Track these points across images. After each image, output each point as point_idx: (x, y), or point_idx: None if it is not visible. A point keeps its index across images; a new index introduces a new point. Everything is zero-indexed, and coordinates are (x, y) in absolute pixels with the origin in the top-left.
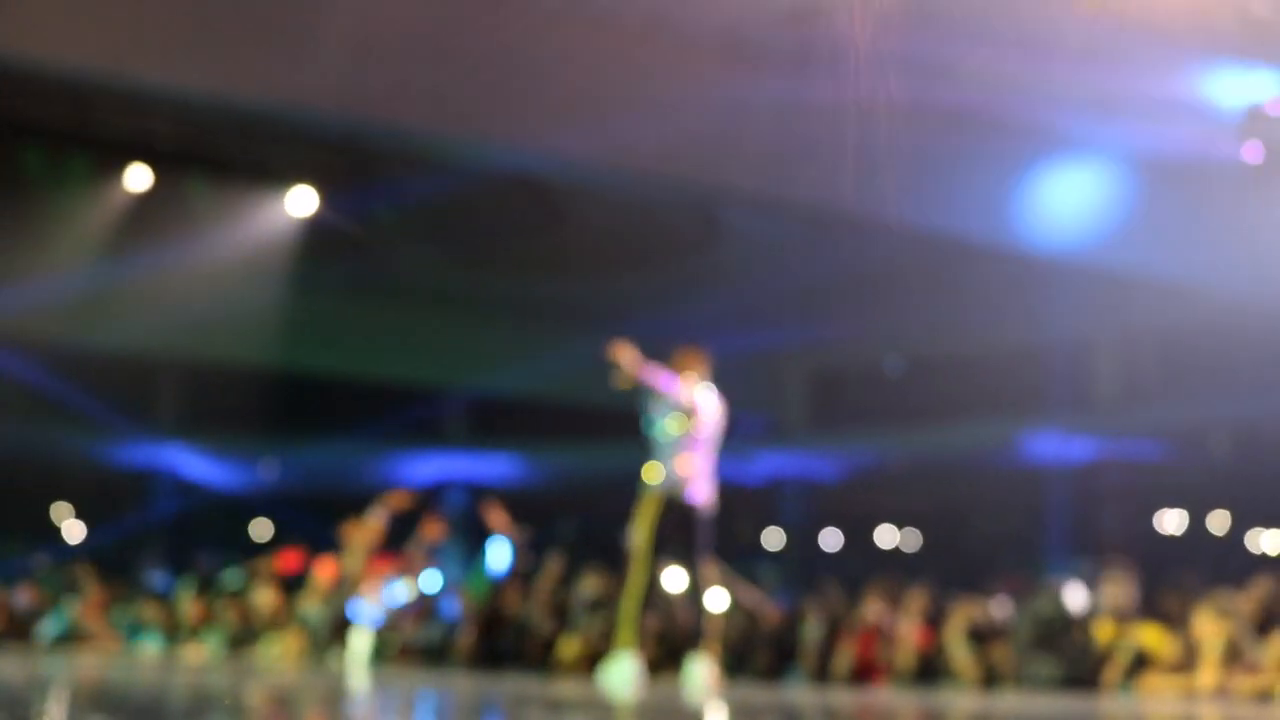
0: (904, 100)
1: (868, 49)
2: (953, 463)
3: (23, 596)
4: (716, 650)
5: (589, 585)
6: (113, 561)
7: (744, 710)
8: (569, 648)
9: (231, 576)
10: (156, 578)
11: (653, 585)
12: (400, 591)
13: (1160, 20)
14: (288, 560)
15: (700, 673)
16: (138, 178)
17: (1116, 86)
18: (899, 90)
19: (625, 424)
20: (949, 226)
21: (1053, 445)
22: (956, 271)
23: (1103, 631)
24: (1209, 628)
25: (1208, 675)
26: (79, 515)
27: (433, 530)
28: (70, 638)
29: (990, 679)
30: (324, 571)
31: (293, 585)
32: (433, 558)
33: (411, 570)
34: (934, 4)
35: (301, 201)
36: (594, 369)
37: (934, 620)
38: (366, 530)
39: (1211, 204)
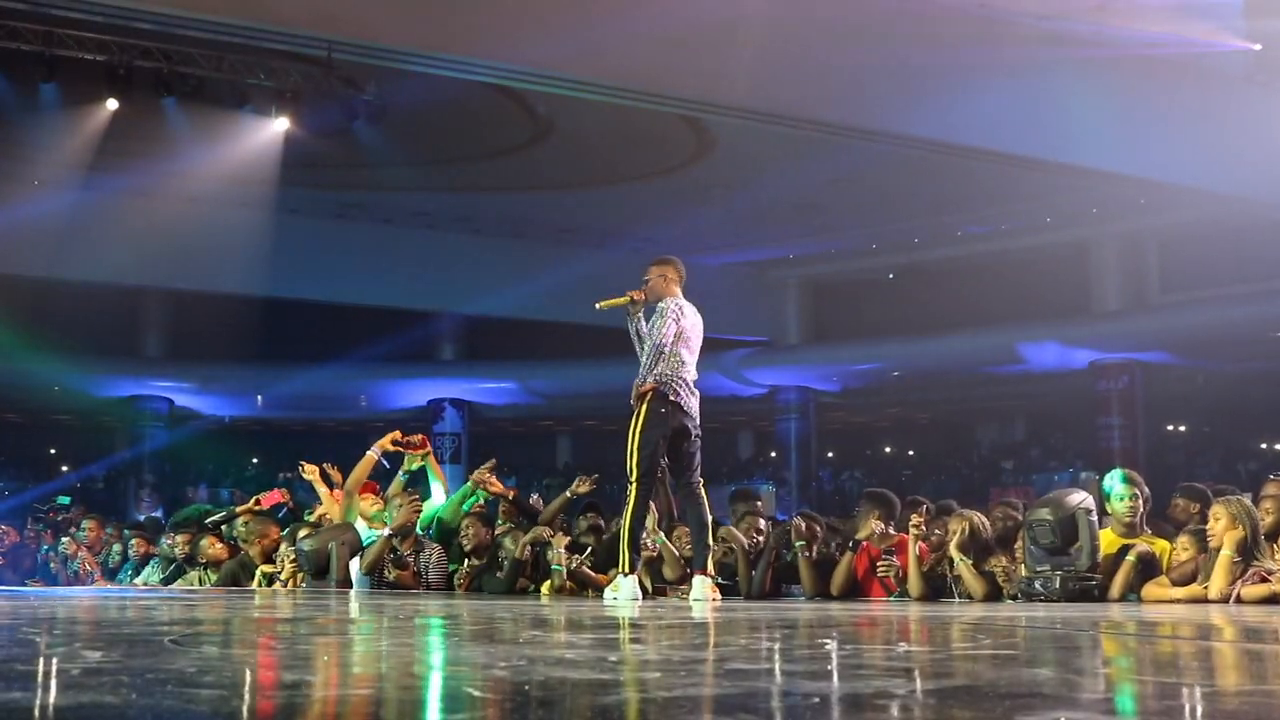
0: (896, 5)
1: None
2: (953, 372)
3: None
4: (715, 567)
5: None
6: (102, 496)
7: (745, 624)
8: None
9: (220, 511)
10: (146, 511)
11: (646, 504)
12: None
13: None
14: (276, 494)
15: (701, 589)
16: (114, 104)
17: None
18: None
19: (618, 341)
20: (944, 132)
21: (1054, 352)
22: (954, 177)
23: (1108, 540)
24: (1222, 529)
25: (1219, 582)
26: (68, 450)
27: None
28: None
29: (993, 591)
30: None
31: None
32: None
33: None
34: None
35: (283, 124)
36: (586, 287)
37: (933, 532)
38: (364, 463)
39: (1213, 100)
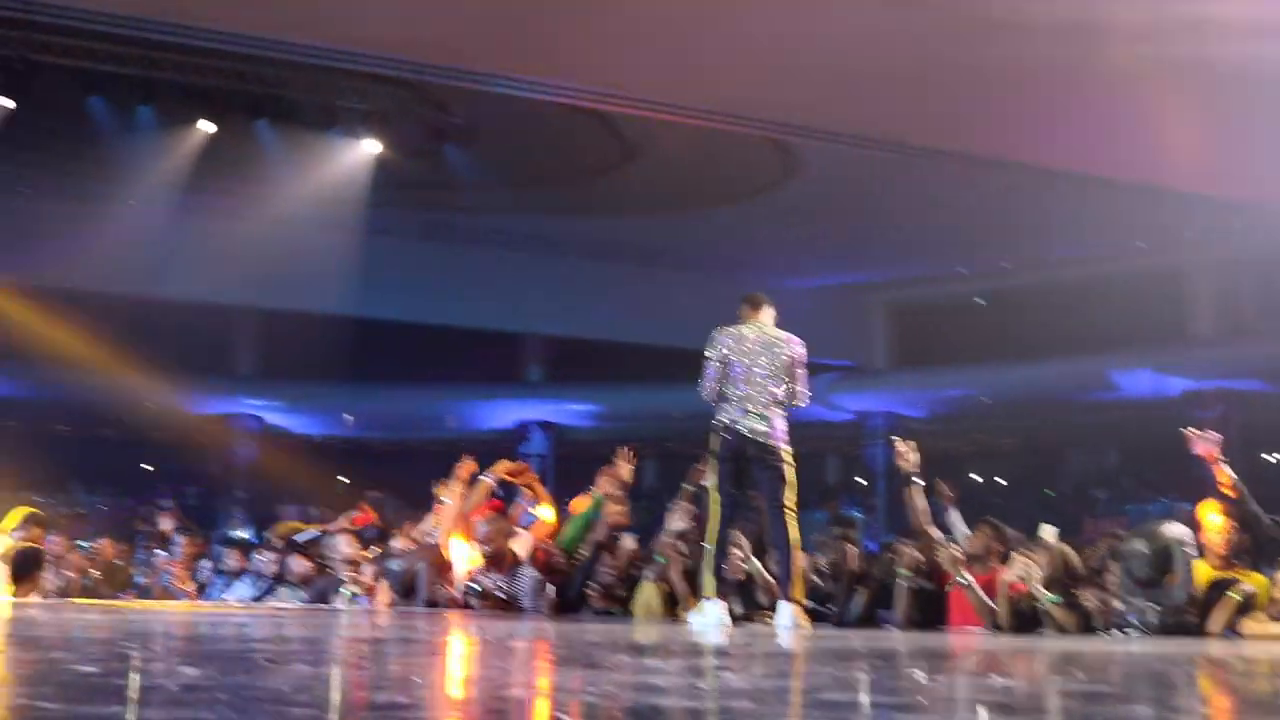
0: (988, 24)
1: None
2: (1043, 398)
3: (105, 549)
4: (803, 594)
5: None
6: (195, 512)
7: (836, 654)
8: (647, 593)
9: (310, 529)
10: (237, 528)
11: (725, 529)
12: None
13: None
14: (366, 515)
15: (788, 616)
16: (208, 126)
17: (1207, 6)
18: (979, 19)
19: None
20: (1035, 156)
21: (1148, 379)
22: (1045, 201)
23: (1203, 572)
24: None
25: None
26: (162, 466)
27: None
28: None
29: (1086, 623)
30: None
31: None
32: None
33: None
34: None
35: (372, 146)
36: (672, 310)
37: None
38: (480, 490)
39: None
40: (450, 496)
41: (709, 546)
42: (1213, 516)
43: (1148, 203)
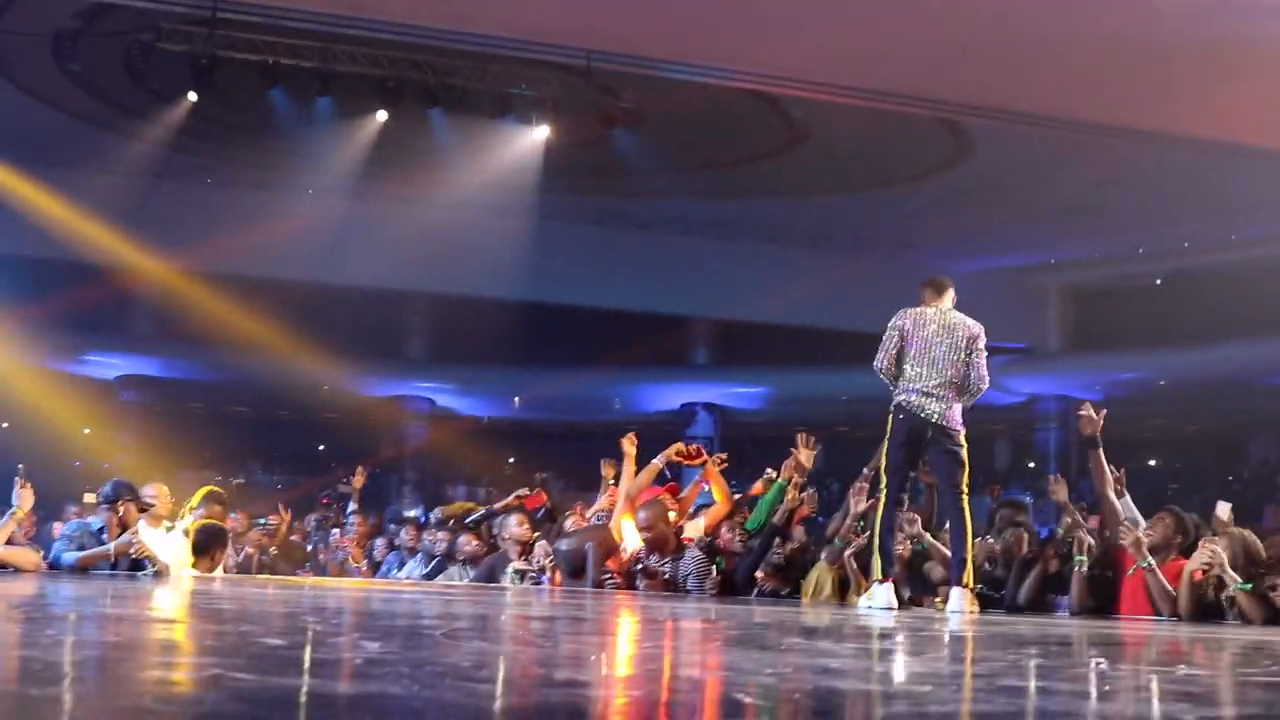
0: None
1: None
2: (1224, 382)
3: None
4: (974, 579)
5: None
6: (367, 492)
7: (1010, 639)
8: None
9: (480, 509)
10: (409, 507)
11: (893, 511)
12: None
13: None
14: (537, 496)
15: (958, 601)
16: (384, 116)
17: None
18: None
19: (870, 348)
20: (1213, 130)
21: None
22: (1226, 178)
23: None
24: None
25: None
26: (335, 447)
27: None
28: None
29: (1272, 614)
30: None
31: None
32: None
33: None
34: None
35: (543, 132)
36: (840, 292)
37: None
38: (648, 471)
39: None
40: (620, 476)
41: (877, 528)
42: None
43: None
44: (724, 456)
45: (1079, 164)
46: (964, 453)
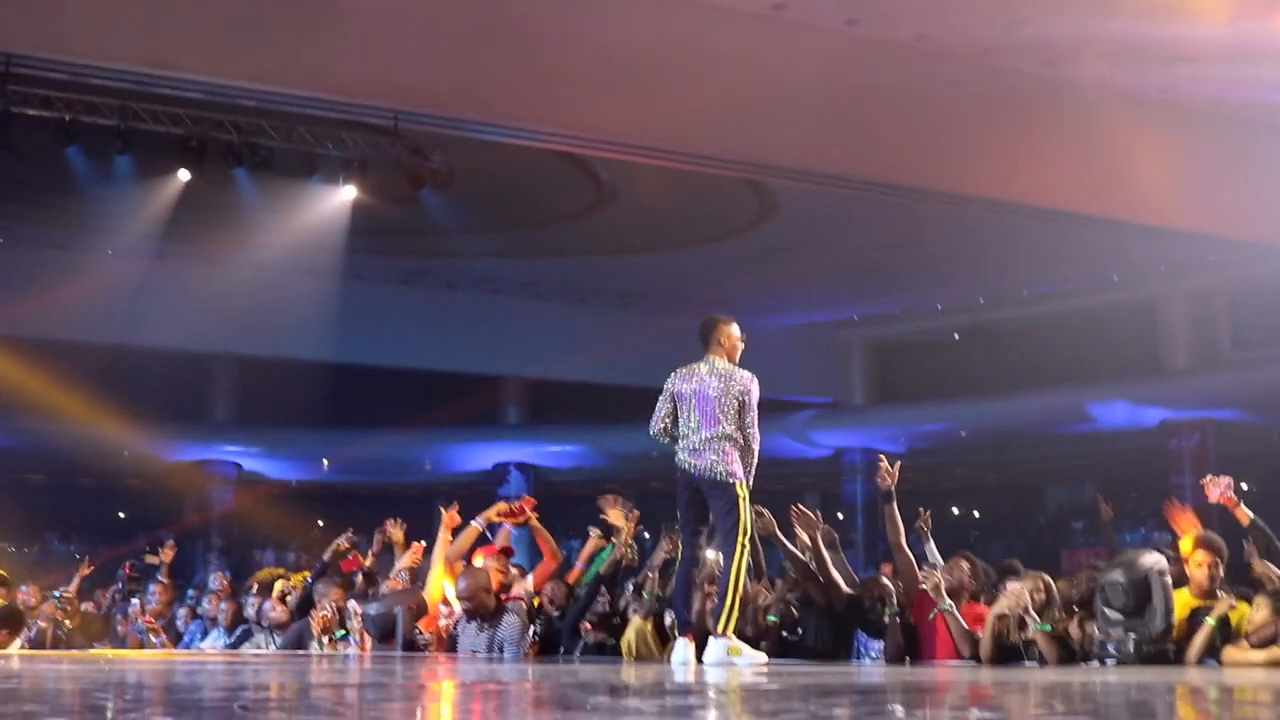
0: (960, 64)
1: (916, 22)
2: (1021, 432)
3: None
4: (732, 628)
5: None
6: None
7: (811, 690)
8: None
9: (286, 575)
10: (214, 574)
11: (687, 568)
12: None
13: None
14: (354, 560)
15: (715, 651)
16: (186, 175)
17: (1182, 36)
18: (951, 58)
19: None
20: (1006, 192)
21: (1124, 411)
22: (1018, 237)
23: (1183, 601)
24: None
25: None
26: (137, 514)
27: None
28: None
29: (1068, 654)
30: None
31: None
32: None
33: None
34: None
35: (350, 193)
36: (649, 351)
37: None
38: (467, 534)
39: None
40: (437, 541)
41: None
42: (1191, 546)
43: (1120, 237)
44: (534, 501)
45: (879, 223)
46: (738, 503)
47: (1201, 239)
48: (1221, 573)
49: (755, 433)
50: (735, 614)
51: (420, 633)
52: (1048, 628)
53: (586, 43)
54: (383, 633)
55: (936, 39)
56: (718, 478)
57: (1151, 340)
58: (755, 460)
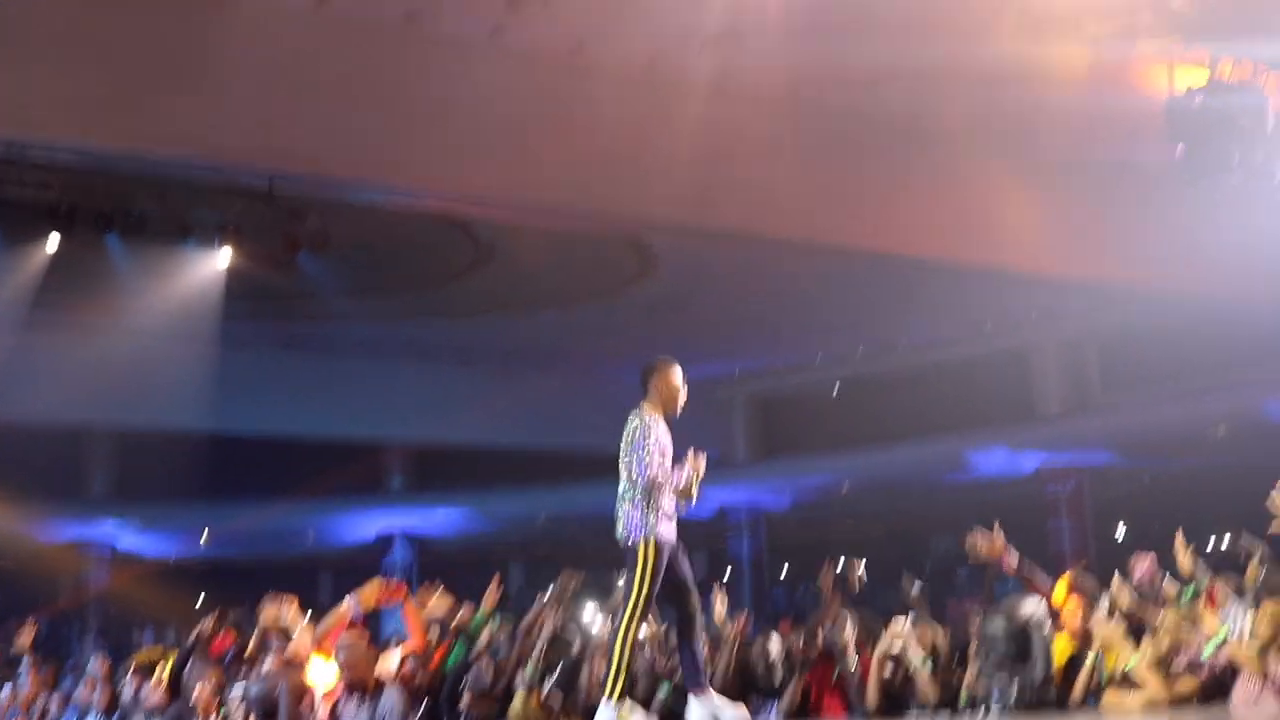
0: (825, 115)
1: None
2: (903, 482)
3: None
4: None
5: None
6: (45, 643)
7: None
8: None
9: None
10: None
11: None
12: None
13: (1082, 18)
14: (226, 638)
15: (604, 712)
16: (56, 242)
17: (1040, 94)
18: (821, 110)
19: (570, 467)
20: (877, 243)
21: (1002, 458)
22: (892, 288)
23: (1062, 646)
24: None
25: (1186, 685)
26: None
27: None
28: None
29: (953, 702)
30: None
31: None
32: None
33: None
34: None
35: (225, 258)
36: (533, 410)
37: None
38: (339, 615)
39: (1146, 201)
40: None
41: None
42: (1067, 590)
43: (993, 286)
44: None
45: (757, 276)
46: (638, 563)
47: (1071, 287)
48: (1096, 613)
49: (645, 464)
50: (621, 678)
51: (309, 713)
52: (927, 663)
53: (462, 103)
54: (266, 711)
55: (811, 93)
56: (621, 541)
57: (1026, 388)
58: (664, 486)
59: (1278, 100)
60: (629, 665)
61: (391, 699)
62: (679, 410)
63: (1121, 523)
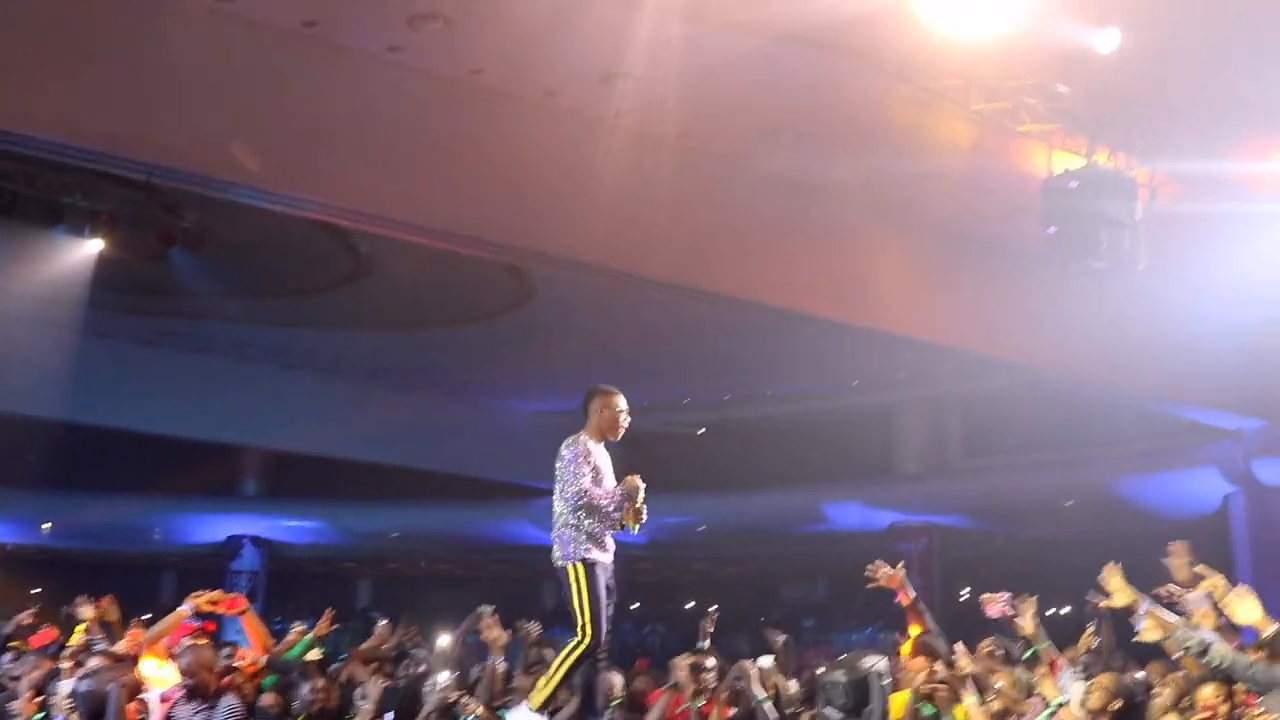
0: (718, 168)
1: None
2: (759, 529)
3: None
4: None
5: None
6: None
7: None
8: None
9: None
10: None
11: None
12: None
13: (971, 95)
14: (49, 632)
15: (519, 713)
16: None
17: (926, 164)
18: (709, 156)
19: (430, 485)
20: (752, 293)
21: (857, 512)
22: (764, 337)
23: (899, 703)
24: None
25: None
26: None
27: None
28: None
29: None
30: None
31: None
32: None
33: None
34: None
35: (96, 246)
36: (396, 428)
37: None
38: (172, 618)
39: (1016, 275)
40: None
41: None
42: (909, 648)
43: (862, 343)
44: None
45: (632, 314)
46: (570, 589)
47: (939, 350)
48: (941, 672)
49: (578, 486)
50: (548, 690)
51: (136, 711)
52: (768, 701)
53: (352, 116)
54: (94, 711)
55: (700, 140)
56: (555, 564)
57: (887, 445)
58: (601, 509)
59: (1146, 194)
60: (561, 683)
61: (229, 705)
62: (619, 435)
63: (968, 585)
